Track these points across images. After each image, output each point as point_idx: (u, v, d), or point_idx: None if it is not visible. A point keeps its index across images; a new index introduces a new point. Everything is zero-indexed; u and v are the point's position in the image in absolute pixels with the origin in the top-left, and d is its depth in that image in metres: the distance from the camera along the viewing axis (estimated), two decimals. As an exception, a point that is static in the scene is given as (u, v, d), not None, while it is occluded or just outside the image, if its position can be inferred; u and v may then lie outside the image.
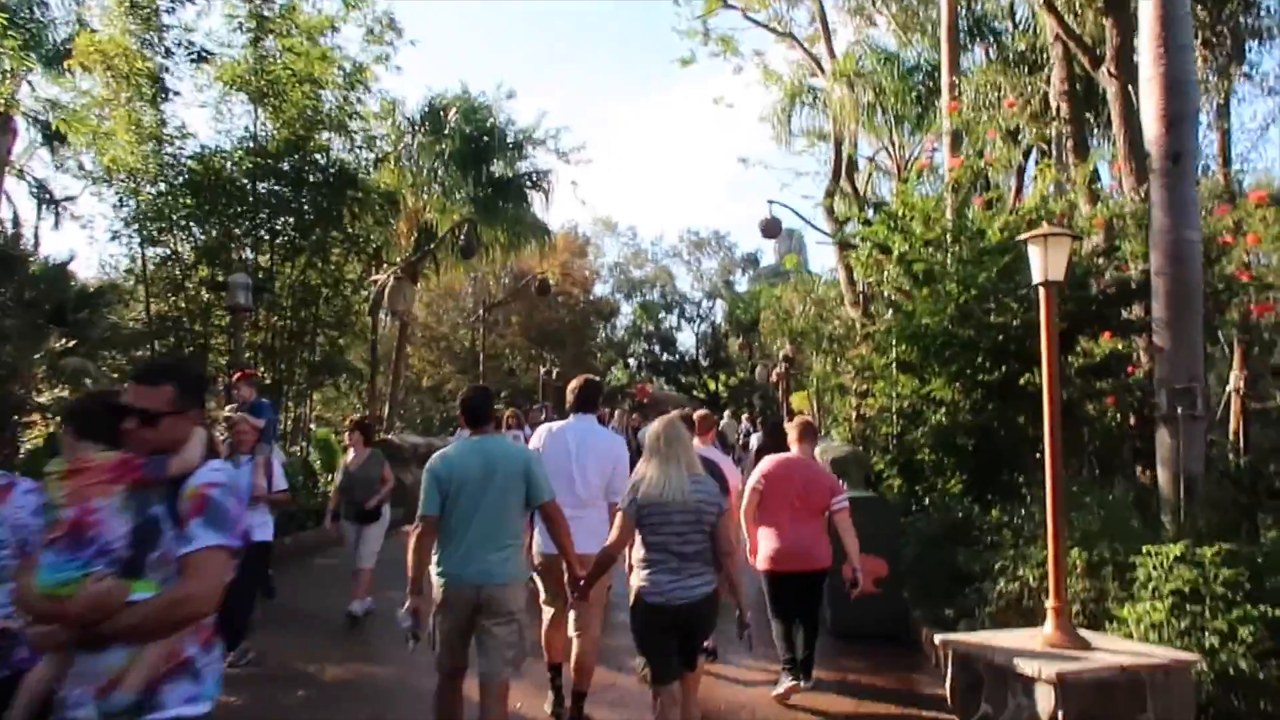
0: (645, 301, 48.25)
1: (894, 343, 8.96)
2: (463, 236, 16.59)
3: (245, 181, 13.45)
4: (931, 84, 18.55)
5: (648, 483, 4.07)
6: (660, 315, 48.57)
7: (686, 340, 49.21)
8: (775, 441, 8.60)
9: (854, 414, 17.77)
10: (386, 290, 15.05)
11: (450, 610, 4.16)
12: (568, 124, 32.33)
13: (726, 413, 30.38)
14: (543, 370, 29.02)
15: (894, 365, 9.05)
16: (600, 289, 46.49)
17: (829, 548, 5.73)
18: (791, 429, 6.14)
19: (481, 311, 24.06)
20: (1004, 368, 8.12)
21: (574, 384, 5.54)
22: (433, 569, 4.22)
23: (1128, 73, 10.63)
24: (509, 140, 19.45)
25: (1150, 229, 6.47)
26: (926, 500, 9.22)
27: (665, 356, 48.99)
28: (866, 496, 7.67)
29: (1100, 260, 7.42)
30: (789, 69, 21.01)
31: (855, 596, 5.76)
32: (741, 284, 50.09)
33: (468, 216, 17.69)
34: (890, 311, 9.51)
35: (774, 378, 28.62)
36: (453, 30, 69.45)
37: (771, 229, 15.20)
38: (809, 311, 19.38)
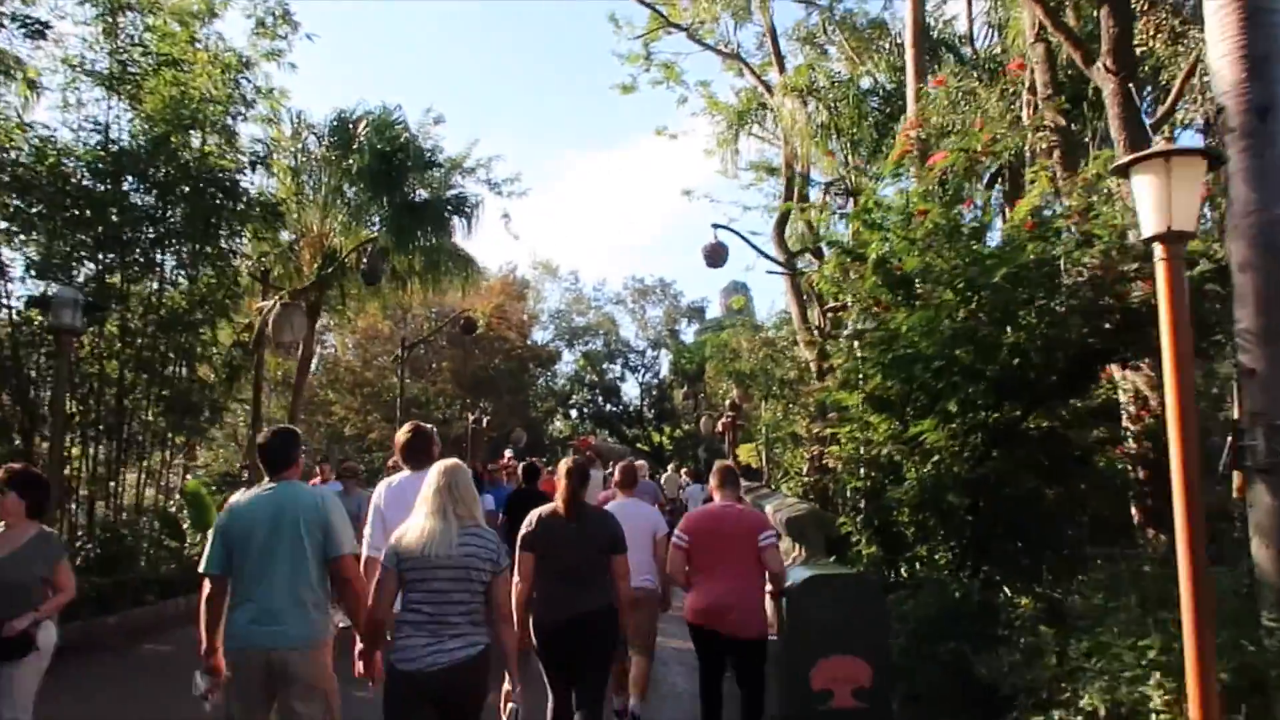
0: (588, 350, 46.66)
1: (867, 374, 7.11)
2: (366, 259, 14.47)
3: (93, 183, 11.25)
4: (889, 109, 17.22)
5: (410, 535, 3.73)
6: (604, 365, 47.01)
7: (631, 391, 47.77)
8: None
9: (807, 466, 15.94)
10: (271, 318, 12.84)
11: (240, 682, 3.75)
12: (500, 153, 30.35)
13: (669, 466, 28.51)
14: (470, 419, 26.80)
15: (866, 403, 7.18)
16: (540, 335, 44.64)
17: (764, 611, 5.29)
18: (712, 476, 5.81)
19: (401, 351, 21.78)
20: (1006, 405, 6.32)
21: (401, 433, 5.19)
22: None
23: (1127, 67, 9.22)
24: (427, 159, 17.48)
25: (1228, 209, 4.72)
26: (904, 572, 7.31)
27: (609, 407, 47.43)
28: (839, 573, 5.71)
29: (1135, 267, 5.68)
30: (736, 99, 19.62)
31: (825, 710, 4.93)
32: (687, 334, 48.92)
33: (377, 240, 15.60)
34: (855, 341, 7.68)
35: (720, 428, 26.88)
36: (438, 87, 67.93)
37: (716, 255, 13.42)
38: (758, 353, 17.56)
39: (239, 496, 4.01)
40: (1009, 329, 5.95)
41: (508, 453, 19.10)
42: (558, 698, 4.81)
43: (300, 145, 16.61)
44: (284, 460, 4.00)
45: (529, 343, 41.13)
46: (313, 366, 37.59)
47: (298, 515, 3.83)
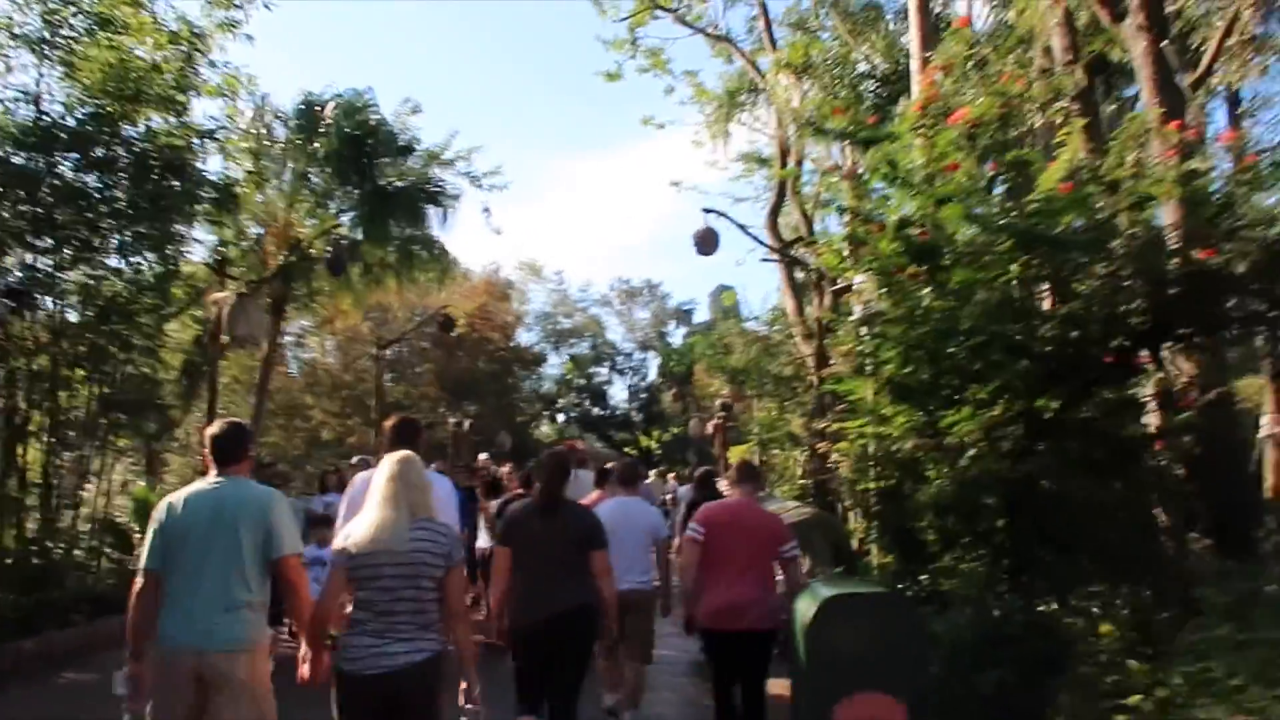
0: (575, 354, 45.76)
1: (884, 358, 6.15)
2: (330, 248, 13.44)
3: (22, 158, 10.19)
4: (886, 93, 16.35)
5: (359, 528, 3.58)
6: (591, 368, 46.13)
7: (618, 394, 46.96)
8: (706, 494, 7.86)
9: (802, 468, 14.98)
10: (226, 310, 11.81)
11: (167, 684, 3.52)
12: (480, 144, 29.24)
13: (653, 472, 27.54)
14: (451, 421, 25.77)
15: (883, 392, 6.21)
16: (525, 337, 43.65)
17: (778, 605, 5.03)
18: (731, 470, 6.05)
19: (377, 350, 20.75)
20: (1052, 390, 5.38)
21: (390, 423, 5.04)
22: None
23: (1160, 25, 8.37)
24: (400, 144, 16.45)
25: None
26: (926, 585, 6.35)
27: (596, 411, 46.58)
28: (865, 592, 4.76)
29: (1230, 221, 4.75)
30: (724, 85, 18.68)
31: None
32: (676, 336, 48.05)
33: (340, 227, 14.58)
34: (866, 325, 6.72)
35: (710, 430, 25.91)
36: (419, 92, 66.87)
37: (708, 241, 12.46)
38: (750, 349, 16.61)
39: (180, 492, 3.86)
40: (1063, 297, 5.00)
41: (483, 456, 18.07)
42: (528, 704, 4.53)
43: (263, 128, 15.59)
44: (233, 454, 3.84)
45: (513, 344, 40.08)
46: (293, 370, 36.81)
47: (237, 513, 3.66)
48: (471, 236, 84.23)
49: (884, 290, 6.49)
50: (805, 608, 4.61)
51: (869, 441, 6.95)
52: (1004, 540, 5.63)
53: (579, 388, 45.83)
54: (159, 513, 3.75)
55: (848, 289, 8.52)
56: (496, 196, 18.24)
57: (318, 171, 15.98)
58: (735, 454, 25.38)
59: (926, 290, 5.33)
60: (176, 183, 11.12)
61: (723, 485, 7.88)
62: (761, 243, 13.99)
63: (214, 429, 3.94)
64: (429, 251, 17.84)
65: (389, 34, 64.67)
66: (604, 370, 47.21)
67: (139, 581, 3.69)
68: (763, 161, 22.03)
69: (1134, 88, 10.64)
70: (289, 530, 3.75)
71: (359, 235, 16.91)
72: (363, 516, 3.63)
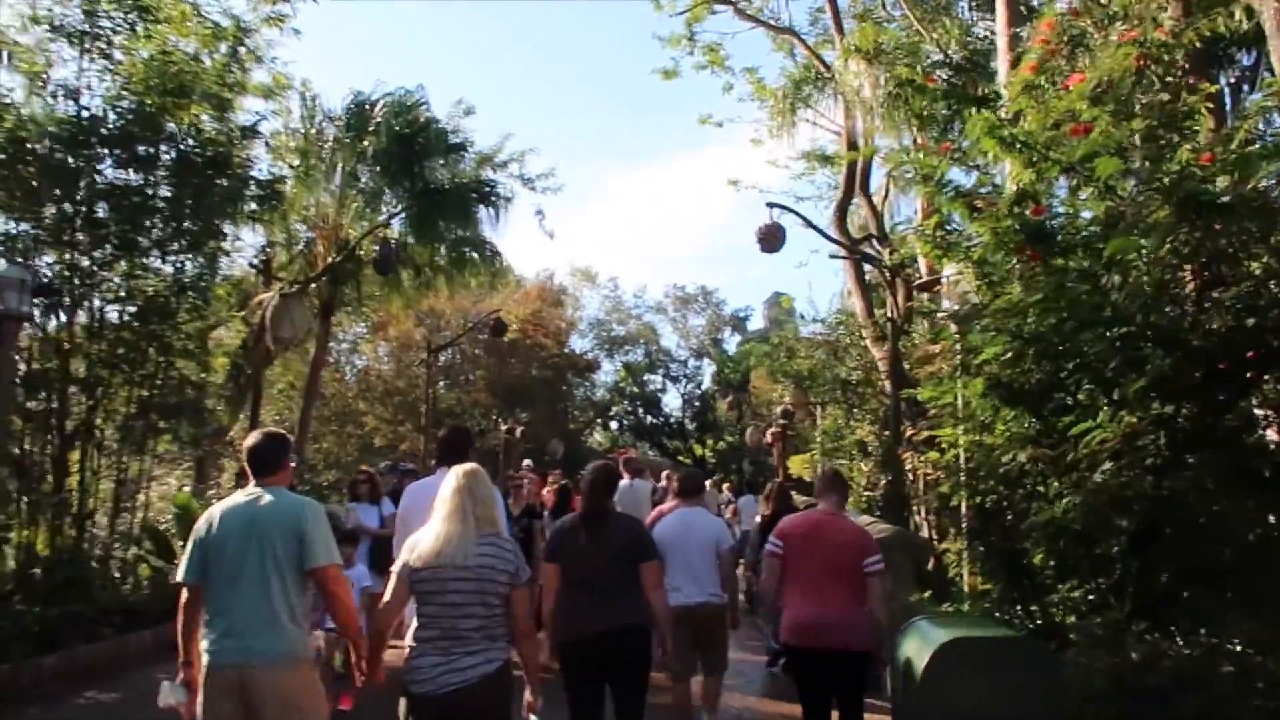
0: (628, 361, 45.19)
1: (991, 356, 5.31)
2: (379, 247, 12.95)
3: (62, 154, 9.86)
4: (961, 82, 15.39)
5: (425, 541, 3.55)
6: (644, 376, 45.51)
7: (672, 402, 46.28)
8: (782, 508, 7.31)
9: (881, 479, 14.05)
10: (269, 311, 11.38)
11: (211, 701, 3.46)
12: (534, 146, 28.95)
13: (708, 482, 26.67)
14: (504, 428, 25.26)
15: (990, 395, 5.36)
16: (579, 343, 43.15)
17: (866, 622, 4.56)
18: (818, 480, 5.48)
19: (427, 354, 20.32)
20: (1203, 393, 4.51)
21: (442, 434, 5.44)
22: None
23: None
24: (451, 142, 15.97)
25: None
26: (1035, 614, 5.48)
27: (649, 419, 45.99)
28: (992, 635, 3.95)
29: None
30: (792, 72, 17.87)
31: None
32: (730, 344, 47.15)
33: (391, 227, 14.12)
34: (965, 322, 5.87)
35: (769, 439, 25.02)
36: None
37: (773, 237, 11.67)
38: (816, 352, 15.71)
39: (219, 504, 3.81)
40: (1218, 279, 4.13)
41: (526, 462, 17.49)
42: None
43: (311, 126, 15.26)
44: (270, 465, 3.79)
45: (566, 351, 39.57)
46: (347, 376, 36.86)
47: (270, 524, 3.58)
48: (525, 241, 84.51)
49: (984, 281, 5.66)
50: (915, 651, 3.83)
51: (965, 451, 6.11)
52: (1135, 569, 4.76)
53: (632, 395, 45.22)
54: (199, 525, 3.73)
55: (933, 283, 7.68)
56: (550, 201, 17.82)
57: (367, 171, 15.59)
58: (795, 464, 24.52)
59: (1045, 274, 4.49)
60: (221, 180, 10.72)
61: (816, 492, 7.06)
62: (829, 238, 13.12)
63: (251, 440, 3.88)
64: (480, 254, 17.37)
65: (441, 41, 65.17)
66: (658, 378, 46.57)
67: (182, 594, 3.68)
68: (826, 159, 21.18)
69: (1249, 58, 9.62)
70: (324, 540, 3.62)
71: (409, 237, 16.56)
72: (428, 528, 3.59)
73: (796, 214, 11.55)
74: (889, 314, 11.40)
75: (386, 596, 3.63)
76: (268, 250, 13.59)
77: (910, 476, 10.56)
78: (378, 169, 15.28)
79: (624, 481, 9.35)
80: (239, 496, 3.75)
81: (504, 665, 3.44)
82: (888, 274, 12.01)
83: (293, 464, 3.99)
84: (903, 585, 7.80)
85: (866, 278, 14.44)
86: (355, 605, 3.57)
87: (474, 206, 16.34)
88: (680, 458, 41.91)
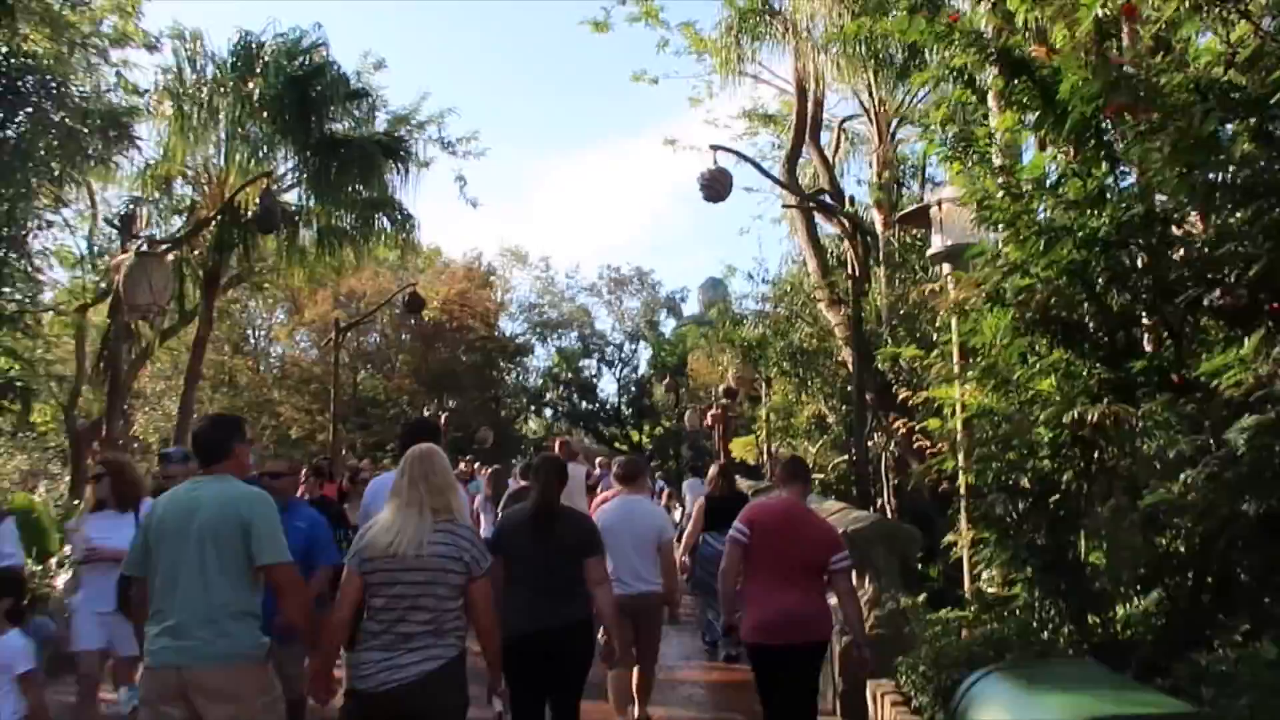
0: (563, 347, 43.59)
1: (1031, 282, 3.86)
2: (261, 201, 11.07)
3: None
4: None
5: (375, 531, 3.40)
6: (579, 362, 43.99)
7: (608, 387, 44.77)
8: (728, 489, 7.81)
9: (834, 460, 12.72)
10: (122, 275, 9.48)
11: (153, 706, 3.31)
12: (454, 106, 27.27)
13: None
14: (427, 414, 23.47)
15: (1035, 331, 3.92)
16: (510, 327, 41.34)
17: (830, 616, 4.66)
18: (780, 468, 5.53)
19: (336, 333, 18.38)
20: None
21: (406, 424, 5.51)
22: None
23: None
24: (353, 88, 14.11)
25: None
26: (1097, 631, 4.08)
27: (585, 405, 44.43)
28: (1160, 713, 2.45)
29: None
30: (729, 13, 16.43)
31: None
32: (667, 327, 45.86)
33: (277, 178, 12.24)
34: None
35: (709, 421, 23.73)
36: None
37: (718, 184, 10.17)
38: (765, 323, 14.33)
39: (165, 493, 3.71)
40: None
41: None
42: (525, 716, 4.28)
43: (193, 70, 13.26)
44: (217, 451, 3.57)
45: (496, 334, 37.74)
46: (261, 366, 34.50)
47: (213, 516, 3.37)
48: (452, 222, 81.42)
49: (1010, 190, 4.20)
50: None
51: (979, 417, 4.69)
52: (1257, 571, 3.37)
53: (567, 381, 43.63)
54: (144, 514, 3.70)
55: (920, 213, 6.29)
56: (475, 173, 16.22)
57: (256, 120, 13.62)
58: (738, 446, 23.28)
59: (1144, 136, 3.06)
60: (49, 108, 8.80)
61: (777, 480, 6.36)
62: (778, 182, 11.66)
63: (198, 425, 3.97)
64: (391, 218, 15.55)
65: (375, 32, 62.15)
66: (592, 363, 45.00)
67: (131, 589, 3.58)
68: (769, 119, 19.86)
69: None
70: (271, 534, 3.42)
71: (310, 199, 14.69)
72: (380, 518, 3.47)
73: (740, 155, 10.07)
74: (850, 271, 10.04)
75: (339, 596, 3.47)
76: (133, 208, 11.61)
77: (880, 454, 9.24)
78: (267, 117, 13.32)
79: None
80: (184, 485, 3.62)
81: (450, 662, 3.31)
82: (848, 225, 10.64)
83: (240, 450, 3.65)
84: (889, 586, 6.41)
85: (822, 240, 13.09)
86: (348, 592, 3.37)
87: (381, 163, 14.53)
88: (617, 444, 40.63)
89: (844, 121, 15.81)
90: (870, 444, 10.54)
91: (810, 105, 13.50)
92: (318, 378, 32.12)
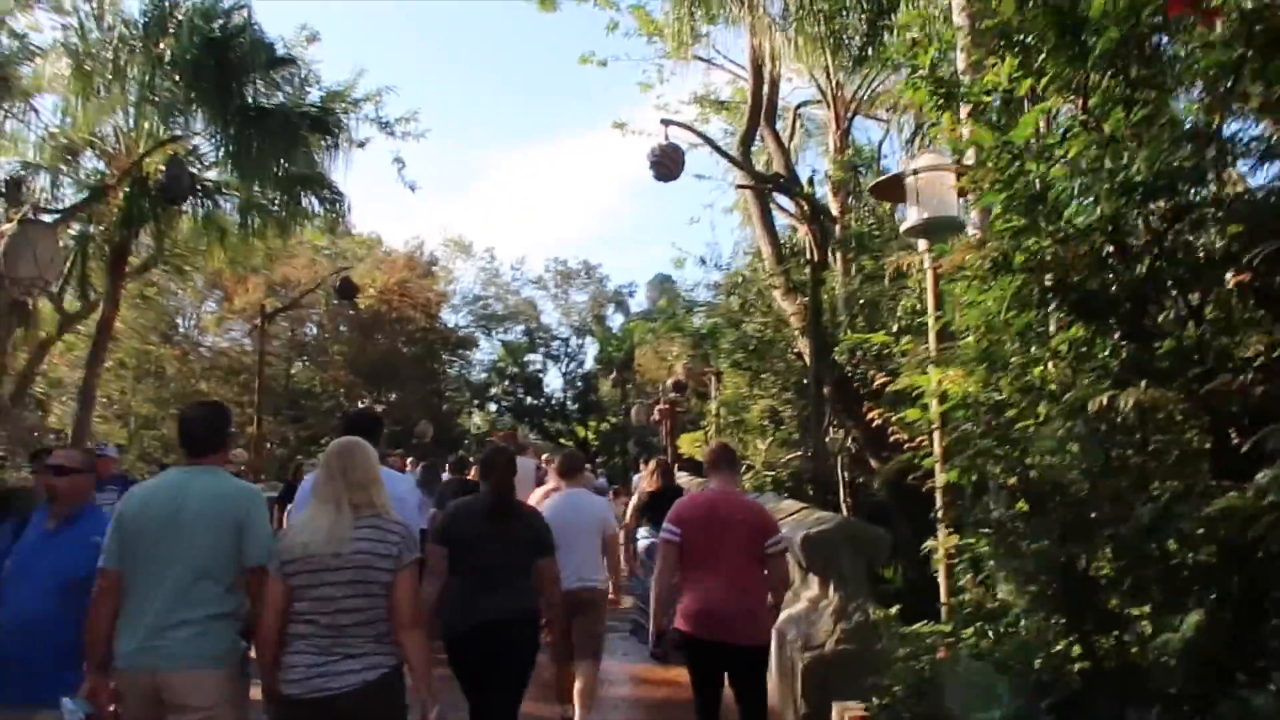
0: (508, 341, 42.65)
1: (1044, 241, 3.23)
2: (167, 168, 10.06)
3: None
4: (877, 7, 13.63)
5: (294, 531, 3.22)
6: (525, 356, 43.08)
7: (553, 382, 44.03)
8: (666, 485, 7.48)
9: (785, 456, 12.12)
10: (3, 245, 8.46)
11: (130, 711, 3.20)
12: (394, 84, 26.22)
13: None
14: (361, 406, 22.43)
15: (1055, 302, 3.30)
16: (453, 319, 40.21)
17: (768, 617, 4.48)
18: (706, 456, 5.17)
19: (261, 319, 17.29)
20: None
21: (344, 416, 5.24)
22: None
23: None
24: (276, 54, 13.10)
25: None
26: (1109, 652, 3.48)
27: (530, 400, 43.54)
28: None
29: None
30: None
31: None
32: (614, 322, 45.19)
33: (179, 140, 11.22)
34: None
35: (656, 416, 23.10)
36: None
37: (670, 161, 9.49)
38: (717, 314, 13.70)
39: (145, 483, 3.74)
40: None
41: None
42: (475, 712, 4.19)
43: (98, 28, 12.14)
44: (208, 442, 3.39)
45: (438, 325, 36.63)
46: (191, 356, 32.93)
47: (201, 511, 3.21)
48: (395, 215, 79.62)
49: (1003, 145, 3.57)
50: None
51: (964, 406, 4.07)
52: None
53: (512, 376, 42.71)
54: (119, 505, 3.40)
55: (894, 181, 5.67)
56: (424, 180, 15.37)
57: (169, 83, 12.54)
58: (686, 442, 22.69)
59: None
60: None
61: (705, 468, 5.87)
62: (733, 160, 11.02)
63: (186, 412, 3.60)
64: (319, 196, 14.57)
65: (315, 18, 60.15)
66: (538, 357, 44.16)
67: (97, 584, 3.26)
68: (721, 105, 19.30)
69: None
70: (262, 536, 3.27)
71: (230, 173, 13.64)
72: (299, 516, 3.39)
73: (692, 129, 9.41)
74: (808, 257, 9.45)
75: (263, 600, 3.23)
76: (23, 174, 10.51)
77: (838, 450, 8.65)
78: (180, 81, 12.27)
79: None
80: (169, 475, 3.48)
81: (391, 672, 3.12)
82: (805, 207, 10.05)
83: (227, 442, 3.59)
84: (856, 594, 5.80)
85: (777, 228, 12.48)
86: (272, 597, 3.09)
87: (308, 136, 13.54)
88: (562, 440, 39.88)
89: (799, 107, 15.25)
90: (826, 439, 9.99)
91: (766, 86, 12.88)
92: (248, 368, 30.72)
